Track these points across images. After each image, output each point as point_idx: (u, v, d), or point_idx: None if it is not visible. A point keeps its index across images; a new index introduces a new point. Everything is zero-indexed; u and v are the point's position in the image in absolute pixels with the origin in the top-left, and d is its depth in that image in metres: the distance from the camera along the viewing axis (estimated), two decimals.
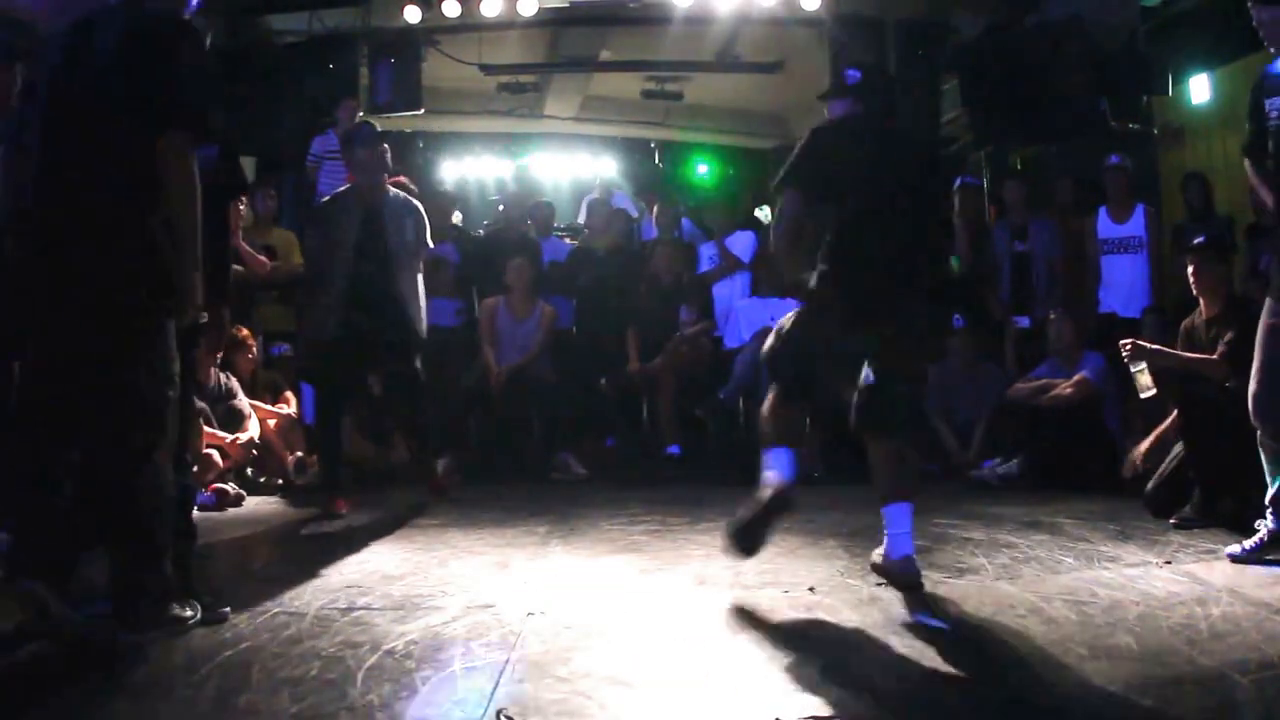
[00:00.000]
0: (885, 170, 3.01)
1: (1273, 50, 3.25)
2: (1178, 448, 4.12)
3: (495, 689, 2.04)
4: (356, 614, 2.64)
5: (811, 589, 2.88)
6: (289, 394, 5.60)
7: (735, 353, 6.00)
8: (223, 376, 5.14)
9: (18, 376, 2.65)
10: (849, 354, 3.05)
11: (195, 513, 3.85)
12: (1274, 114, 3.19)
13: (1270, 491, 3.20)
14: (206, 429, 4.82)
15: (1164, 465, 4.19)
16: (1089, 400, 5.11)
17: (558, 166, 10.83)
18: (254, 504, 4.89)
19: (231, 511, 4.69)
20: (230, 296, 3.61)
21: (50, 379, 2.51)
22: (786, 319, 3.12)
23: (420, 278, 4.67)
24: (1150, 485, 4.20)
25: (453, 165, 10.64)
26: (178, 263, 2.53)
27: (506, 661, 2.21)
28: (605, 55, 8.34)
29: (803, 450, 3.39)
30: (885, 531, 2.92)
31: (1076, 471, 5.03)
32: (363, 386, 5.11)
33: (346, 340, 4.43)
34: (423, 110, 7.61)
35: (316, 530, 4.10)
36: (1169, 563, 3.21)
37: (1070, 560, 3.27)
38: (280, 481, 5.34)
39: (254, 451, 5.18)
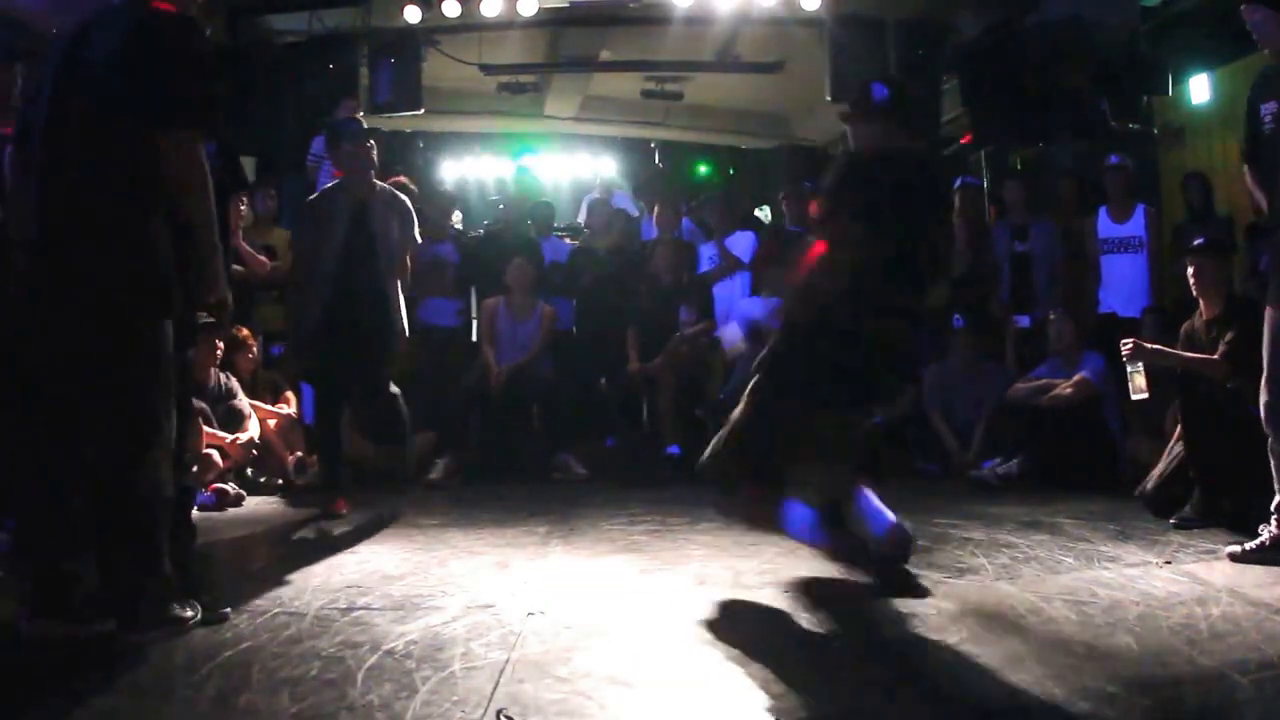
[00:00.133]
0: (917, 204, 2.96)
1: (1265, 51, 3.27)
2: (1178, 448, 4.13)
3: (495, 689, 2.04)
4: (356, 614, 2.64)
5: (812, 589, 2.88)
6: (289, 394, 5.60)
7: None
8: (223, 376, 5.14)
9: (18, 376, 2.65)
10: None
11: (195, 513, 3.88)
12: (1268, 118, 3.21)
13: (1278, 498, 3.20)
14: (206, 429, 4.82)
15: (1164, 465, 4.19)
16: (1089, 400, 5.11)
17: (558, 166, 10.84)
18: (254, 504, 4.89)
19: (231, 511, 4.69)
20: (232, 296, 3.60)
21: (50, 379, 2.51)
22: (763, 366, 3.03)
23: (406, 276, 4.62)
24: (1150, 485, 4.21)
25: (453, 165, 10.65)
26: (198, 249, 2.55)
27: (506, 661, 2.21)
28: (605, 55, 8.33)
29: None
30: (865, 521, 2.94)
31: (1076, 471, 5.03)
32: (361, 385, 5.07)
33: (331, 334, 4.40)
34: (423, 110, 7.61)
35: (316, 530, 4.10)
36: (1169, 563, 3.21)
37: (1070, 560, 3.27)
38: (280, 481, 5.34)
39: (254, 451, 5.17)
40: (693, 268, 6.68)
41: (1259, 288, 3.64)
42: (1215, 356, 3.99)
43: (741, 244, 6.54)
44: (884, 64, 7.29)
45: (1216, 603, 2.67)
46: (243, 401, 5.15)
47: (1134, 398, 4.15)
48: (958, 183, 6.46)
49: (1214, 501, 3.87)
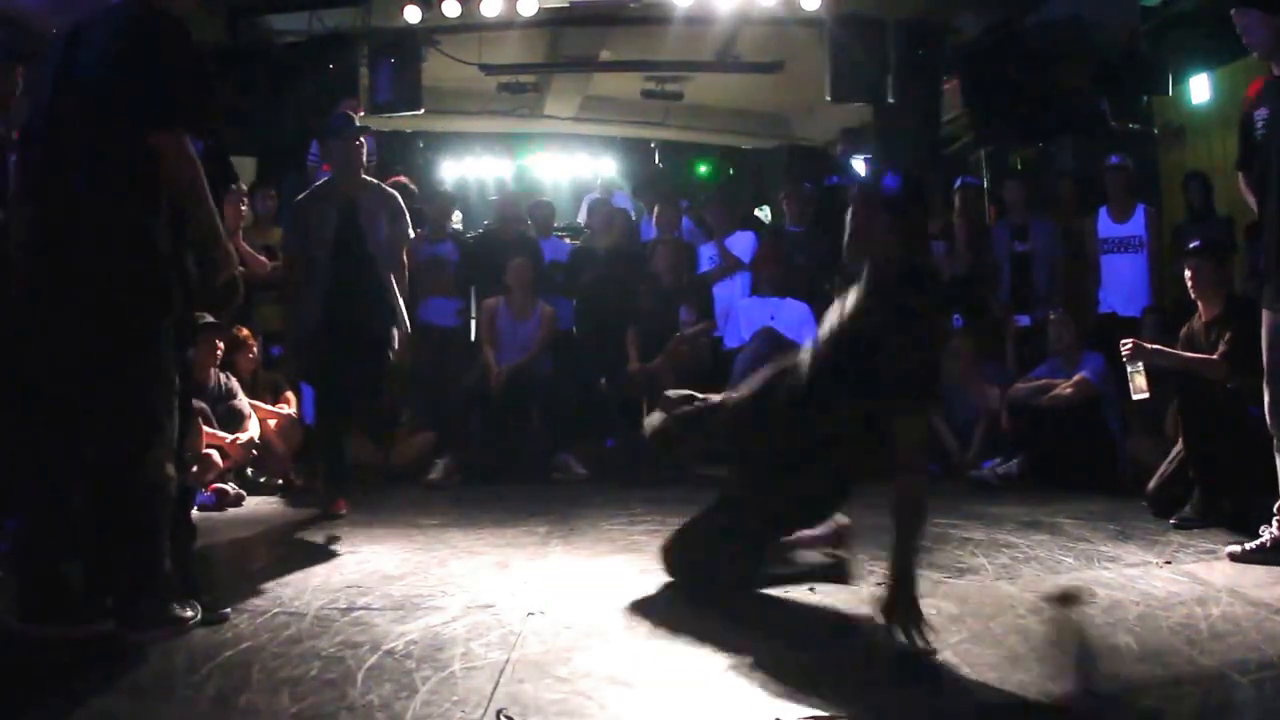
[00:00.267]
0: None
1: (1255, 54, 3.29)
2: (1178, 448, 4.13)
3: (495, 689, 2.04)
4: (356, 614, 2.64)
5: (811, 589, 2.88)
6: (289, 394, 5.60)
7: (735, 353, 6.00)
8: (223, 376, 5.14)
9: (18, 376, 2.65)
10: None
11: (195, 513, 3.88)
12: (1260, 124, 3.22)
13: None
14: (206, 429, 4.82)
15: (1164, 465, 4.19)
16: (1089, 400, 5.11)
17: (558, 166, 10.84)
18: (254, 504, 4.89)
19: (231, 511, 4.68)
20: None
21: (50, 379, 2.51)
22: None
23: (404, 273, 4.59)
24: (1152, 485, 4.21)
25: (453, 165, 10.66)
26: (206, 235, 2.57)
27: (506, 661, 2.21)
28: (605, 55, 8.34)
29: None
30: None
31: (1076, 471, 5.03)
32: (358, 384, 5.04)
33: (331, 337, 4.39)
34: (423, 110, 7.61)
35: (316, 530, 4.10)
36: (1169, 563, 3.21)
37: (1070, 560, 3.27)
38: (280, 481, 5.34)
39: (254, 451, 5.17)
40: (693, 268, 6.68)
41: (1258, 288, 3.65)
42: (1215, 357, 3.99)
43: (741, 244, 6.54)
44: (884, 64, 7.30)
45: (1216, 603, 2.67)
46: (243, 401, 5.15)
47: (1134, 398, 4.15)
48: (958, 183, 6.46)
49: (1214, 501, 3.87)
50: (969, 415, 5.67)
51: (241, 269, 5.68)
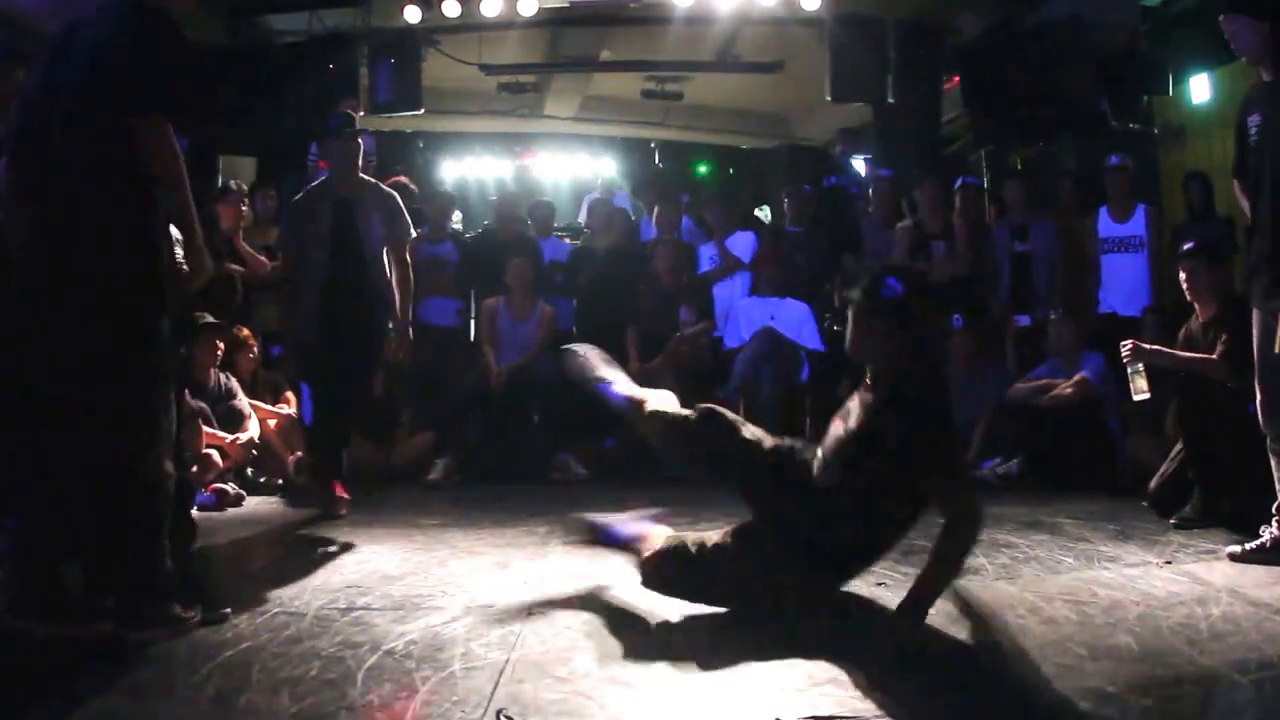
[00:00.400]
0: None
1: (1244, 60, 3.30)
2: (1178, 448, 4.13)
3: (495, 689, 2.04)
4: (356, 614, 2.64)
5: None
6: (289, 394, 5.60)
7: (735, 353, 6.00)
8: (223, 376, 5.14)
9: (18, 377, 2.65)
10: None
11: (195, 513, 3.87)
12: (1253, 130, 3.23)
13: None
14: (206, 429, 4.82)
15: (1164, 465, 4.19)
16: (1089, 400, 5.11)
17: (558, 166, 10.85)
18: (254, 504, 4.89)
19: (231, 511, 4.68)
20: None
21: (50, 378, 2.51)
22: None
23: (407, 271, 4.55)
24: (1152, 485, 4.21)
25: (453, 165, 10.66)
26: (183, 230, 2.55)
27: (506, 661, 2.21)
28: (605, 55, 8.34)
29: None
30: None
31: (1076, 471, 5.03)
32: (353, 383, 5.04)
33: (329, 340, 4.38)
34: (423, 110, 7.62)
35: (316, 530, 4.10)
36: (1169, 563, 3.21)
37: (1070, 560, 3.27)
38: (280, 481, 5.34)
39: (254, 451, 5.17)
40: (693, 268, 6.68)
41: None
42: (1214, 356, 3.99)
43: (741, 244, 6.54)
44: (884, 64, 7.30)
45: (1216, 603, 2.67)
46: (243, 401, 5.15)
47: (1135, 399, 4.15)
48: (958, 183, 6.46)
49: (1214, 501, 3.87)
50: (969, 415, 5.67)
51: (241, 269, 5.75)
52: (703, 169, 10.85)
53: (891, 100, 7.42)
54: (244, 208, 6.08)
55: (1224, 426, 3.80)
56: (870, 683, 2.08)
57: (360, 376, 4.47)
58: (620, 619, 2.61)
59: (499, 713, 1.90)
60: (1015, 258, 6.17)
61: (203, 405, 4.88)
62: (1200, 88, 7.10)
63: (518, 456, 5.94)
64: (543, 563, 3.36)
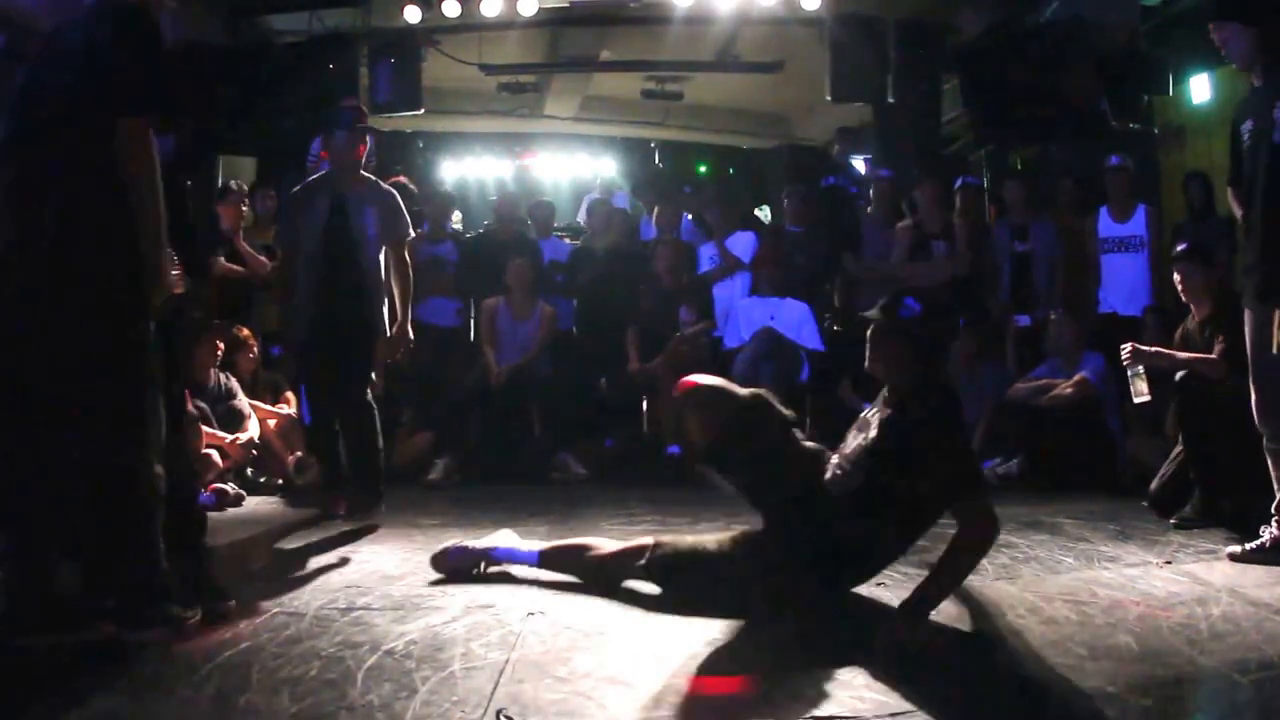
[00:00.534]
0: None
1: (1235, 65, 3.30)
2: (1178, 448, 4.13)
3: (495, 689, 2.04)
4: (356, 614, 2.64)
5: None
6: (289, 394, 5.60)
7: (735, 353, 6.00)
8: (223, 376, 5.14)
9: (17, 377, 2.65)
10: None
11: None
12: (1246, 135, 3.24)
13: (1279, 498, 3.20)
14: (206, 429, 4.82)
15: (1165, 465, 4.19)
16: (1089, 400, 5.11)
17: (558, 166, 10.84)
18: (254, 504, 4.89)
19: (231, 511, 4.68)
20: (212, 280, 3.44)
21: (49, 379, 2.51)
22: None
23: (403, 271, 4.48)
24: (1153, 485, 4.21)
25: (453, 165, 10.66)
26: (144, 235, 2.50)
27: (506, 661, 2.21)
28: (605, 55, 8.34)
29: None
30: None
31: (1076, 471, 5.03)
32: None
33: (321, 339, 4.35)
34: (423, 110, 7.62)
35: (316, 530, 4.10)
36: (1169, 563, 3.21)
37: (1070, 560, 3.27)
38: (280, 481, 5.34)
39: (254, 451, 5.18)
40: (693, 268, 6.69)
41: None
42: (1214, 356, 3.99)
43: (741, 244, 6.54)
44: (884, 64, 7.30)
45: (1216, 603, 2.67)
46: (243, 401, 5.15)
47: (1136, 401, 4.15)
48: (958, 183, 6.46)
49: (1214, 501, 3.87)
50: (969, 415, 5.67)
51: (241, 269, 5.75)
52: (703, 169, 10.86)
53: (891, 100, 7.42)
54: (244, 208, 6.09)
55: (1224, 427, 3.80)
56: (868, 683, 2.08)
57: (356, 377, 4.45)
58: (620, 619, 2.60)
59: (499, 713, 1.90)
60: (1015, 258, 6.18)
61: (203, 405, 4.88)
62: (1200, 88, 7.10)
63: (518, 456, 5.95)
64: None
